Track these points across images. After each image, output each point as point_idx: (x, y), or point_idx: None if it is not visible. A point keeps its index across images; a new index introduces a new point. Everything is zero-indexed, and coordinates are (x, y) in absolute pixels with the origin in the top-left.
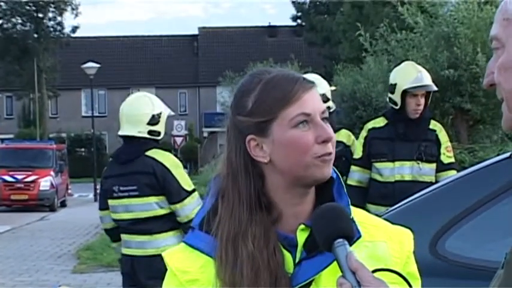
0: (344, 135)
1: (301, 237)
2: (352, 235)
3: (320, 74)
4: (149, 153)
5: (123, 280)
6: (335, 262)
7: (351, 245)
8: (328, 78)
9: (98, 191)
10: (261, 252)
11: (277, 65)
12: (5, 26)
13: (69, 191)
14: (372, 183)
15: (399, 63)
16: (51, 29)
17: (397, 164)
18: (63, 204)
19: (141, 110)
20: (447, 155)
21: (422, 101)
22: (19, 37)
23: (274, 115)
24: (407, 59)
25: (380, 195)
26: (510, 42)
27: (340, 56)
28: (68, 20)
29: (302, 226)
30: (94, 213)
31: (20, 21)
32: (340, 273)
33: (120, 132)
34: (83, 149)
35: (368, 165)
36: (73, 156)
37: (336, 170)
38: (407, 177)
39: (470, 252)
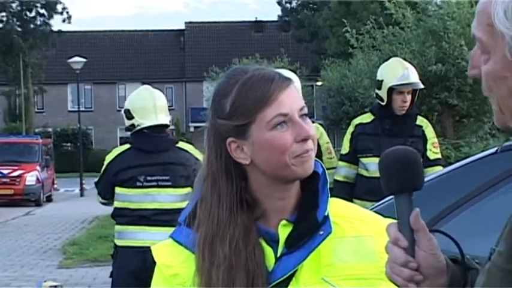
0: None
1: (283, 232)
2: (419, 189)
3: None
4: (179, 145)
5: (121, 279)
6: (312, 257)
7: (320, 242)
8: (316, 73)
9: (99, 181)
10: (239, 254)
11: (263, 61)
12: None
13: (55, 186)
14: (358, 178)
15: (387, 59)
16: (37, 27)
17: None
18: (49, 199)
19: (165, 100)
20: (433, 151)
21: (408, 98)
22: (4, 33)
23: (252, 118)
24: (395, 55)
25: (366, 191)
26: (497, 51)
27: (328, 51)
28: (56, 19)
29: (284, 222)
30: (80, 208)
31: (4, 18)
32: (390, 224)
33: (155, 122)
34: (69, 144)
35: (355, 161)
36: (59, 151)
37: (322, 164)
38: None
39: (455, 247)
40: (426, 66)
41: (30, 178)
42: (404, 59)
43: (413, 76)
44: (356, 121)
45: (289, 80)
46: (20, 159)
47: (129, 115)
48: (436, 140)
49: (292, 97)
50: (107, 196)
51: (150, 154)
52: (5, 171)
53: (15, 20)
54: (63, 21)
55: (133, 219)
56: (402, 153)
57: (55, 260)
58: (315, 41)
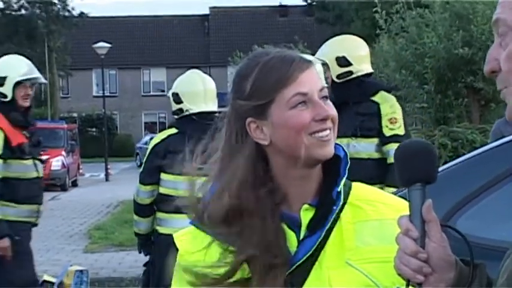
0: None
1: (306, 217)
2: (433, 182)
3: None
4: None
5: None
6: (336, 240)
7: (333, 216)
8: None
9: (142, 163)
10: (263, 233)
11: (279, 46)
12: (12, 8)
13: (81, 171)
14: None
15: (414, 42)
16: (60, 11)
17: (337, 141)
18: (74, 184)
19: (214, 85)
20: (390, 127)
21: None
22: (27, 19)
23: (271, 97)
24: (421, 38)
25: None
26: None
27: (352, 34)
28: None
29: (306, 206)
30: (105, 193)
31: (27, 4)
32: (402, 216)
33: (204, 109)
34: (94, 129)
35: None
36: (84, 136)
37: (343, 148)
38: None
39: (481, 232)
40: (452, 50)
41: (56, 163)
42: (430, 43)
43: (321, 52)
44: None
45: (309, 61)
46: (45, 144)
47: (177, 99)
48: (396, 115)
49: (312, 78)
50: (153, 181)
51: (198, 141)
52: None
53: (36, 5)
54: None
55: (178, 207)
56: (417, 144)
57: (81, 244)
58: (339, 24)
